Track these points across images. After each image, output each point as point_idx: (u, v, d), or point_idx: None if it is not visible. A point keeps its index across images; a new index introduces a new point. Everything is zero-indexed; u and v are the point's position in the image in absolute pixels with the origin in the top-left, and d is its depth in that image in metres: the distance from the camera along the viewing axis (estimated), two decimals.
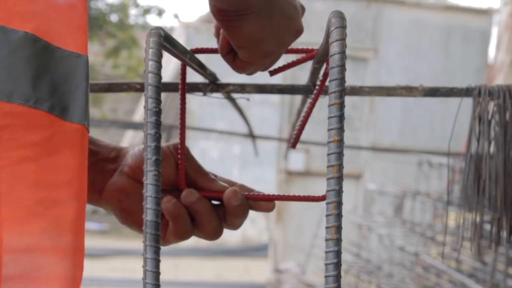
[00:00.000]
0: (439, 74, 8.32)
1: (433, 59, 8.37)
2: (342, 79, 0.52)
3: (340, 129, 0.51)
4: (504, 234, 1.19)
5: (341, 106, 0.51)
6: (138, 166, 0.83)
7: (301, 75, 6.57)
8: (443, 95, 1.18)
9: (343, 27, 0.54)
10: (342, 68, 0.52)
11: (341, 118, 0.51)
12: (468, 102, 1.21)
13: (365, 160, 8.02)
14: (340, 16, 0.55)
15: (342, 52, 0.52)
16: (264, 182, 9.70)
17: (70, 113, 0.64)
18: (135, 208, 0.82)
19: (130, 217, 0.83)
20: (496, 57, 6.07)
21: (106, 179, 0.83)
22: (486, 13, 8.53)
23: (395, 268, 4.75)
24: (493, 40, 8.16)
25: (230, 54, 0.85)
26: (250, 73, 0.86)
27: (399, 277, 4.55)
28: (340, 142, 0.50)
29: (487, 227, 1.22)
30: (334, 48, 0.53)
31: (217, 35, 0.85)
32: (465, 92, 1.19)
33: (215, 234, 0.84)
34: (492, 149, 1.19)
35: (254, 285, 8.00)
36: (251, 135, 2.67)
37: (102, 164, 0.84)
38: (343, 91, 0.52)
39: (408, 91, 1.17)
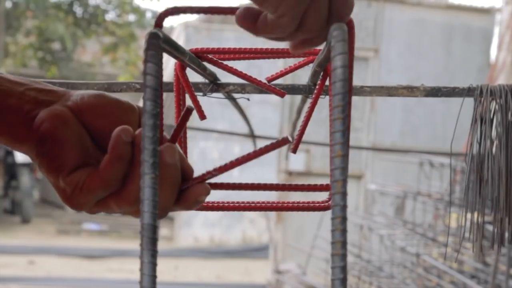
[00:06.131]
0: (441, 74, 8.31)
1: (434, 58, 8.36)
2: (345, 93, 0.51)
3: (344, 144, 0.50)
4: (506, 234, 1.18)
5: (345, 120, 0.51)
6: (86, 103, 0.73)
7: (301, 75, 6.56)
8: (444, 95, 1.17)
9: (344, 40, 0.53)
10: (345, 82, 0.52)
11: (344, 132, 0.51)
12: (470, 101, 1.20)
13: (366, 160, 8.02)
14: (342, 29, 0.54)
15: (345, 66, 0.52)
16: (264, 182, 9.68)
17: None
18: (69, 140, 0.71)
19: (60, 150, 0.71)
20: (497, 57, 6.06)
21: (40, 108, 0.73)
22: (488, 12, 8.52)
23: (396, 269, 4.74)
24: (495, 40, 8.15)
25: (262, 24, 0.72)
26: (302, 31, 0.70)
27: (400, 278, 4.54)
28: (344, 157, 0.50)
29: (489, 227, 1.21)
30: (336, 62, 0.52)
31: (240, 22, 0.72)
32: (467, 92, 1.18)
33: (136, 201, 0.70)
34: (494, 149, 1.18)
35: (254, 286, 7.99)
36: (252, 135, 2.66)
37: (34, 93, 0.74)
38: (346, 104, 0.51)
39: (410, 91, 1.16)
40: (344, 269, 0.47)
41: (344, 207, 0.49)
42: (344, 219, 0.48)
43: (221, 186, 0.82)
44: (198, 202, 0.74)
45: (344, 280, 0.47)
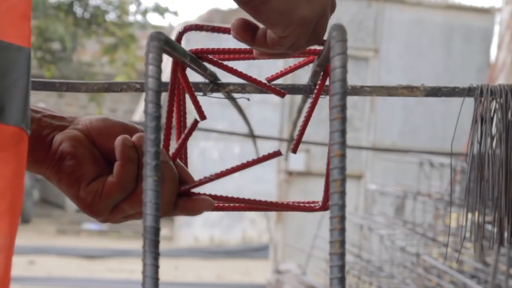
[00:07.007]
0: (441, 74, 8.31)
1: (434, 58, 8.36)
2: (344, 93, 0.51)
3: (343, 144, 0.50)
4: (506, 234, 1.18)
5: (343, 120, 0.51)
6: (94, 126, 0.83)
7: (301, 74, 6.56)
8: (444, 95, 1.17)
9: (344, 40, 0.53)
10: (344, 82, 0.52)
11: (343, 132, 0.51)
12: (470, 101, 1.20)
13: (366, 160, 8.02)
14: (341, 29, 0.54)
15: (344, 67, 0.52)
16: (264, 182, 9.70)
17: (5, 113, 0.56)
18: (86, 155, 0.81)
19: (79, 164, 0.80)
20: (497, 57, 6.07)
21: (55, 132, 0.82)
22: (488, 12, 8.52)
23: (396, 269, 4.75)
24: (495, 39, 8.15)
25: (261, 39, 0.80)
26: (292, 48, 0.80)
27: (400, 278, 4.54)
28: (343, 156, 0.50)
29: (489, 227, 1.21)
30: (335, 62, 0.52)
31: (239, 32, 0.81)
32: (467, 92, 1.18)
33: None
34: (494, 149, 1.18)
35: (254, 286, 7.99)
36: (252, 135, 2.66)
37: (49, 120, 0.83)
38: (345, 104, 0.52)
39: (410, 91, 1.16)
40: (342, 268, 0.48)
41: (342, 206, 0.49)
42: (342, 218, 0.49)
43: (217, 198, 0.85)
44: (200, 213, 0.83)
45: (342, 279, 0.48)
